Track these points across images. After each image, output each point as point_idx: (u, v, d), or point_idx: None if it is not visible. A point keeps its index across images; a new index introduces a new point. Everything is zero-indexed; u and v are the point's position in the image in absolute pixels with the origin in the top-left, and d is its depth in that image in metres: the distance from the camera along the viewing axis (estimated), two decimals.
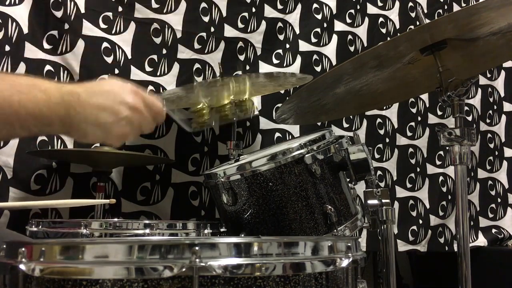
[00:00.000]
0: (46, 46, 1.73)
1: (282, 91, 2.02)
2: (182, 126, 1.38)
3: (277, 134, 2.05)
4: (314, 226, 1.22)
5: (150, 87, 1.85)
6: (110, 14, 1.82)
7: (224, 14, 2.02)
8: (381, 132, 2.25)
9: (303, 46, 2.14)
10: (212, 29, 1.99)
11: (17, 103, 0.86)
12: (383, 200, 1.26)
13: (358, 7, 2.28)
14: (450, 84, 1.23)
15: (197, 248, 0.69)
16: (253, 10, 2.07)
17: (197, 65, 1.95)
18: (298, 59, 2.12)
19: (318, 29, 2.18)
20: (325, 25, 2.19)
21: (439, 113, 2.38)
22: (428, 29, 1.25)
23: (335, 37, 2.21)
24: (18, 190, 1.65)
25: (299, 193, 1.22)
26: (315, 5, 2.19)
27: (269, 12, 2.11)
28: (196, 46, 1.95)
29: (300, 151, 1.22)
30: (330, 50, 2.19)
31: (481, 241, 2.37)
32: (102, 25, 1.80)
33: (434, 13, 2.44)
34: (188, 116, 1.64)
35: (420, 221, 2.24)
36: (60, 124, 0.89)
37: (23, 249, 0.73)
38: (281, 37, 2.12)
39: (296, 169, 1.21)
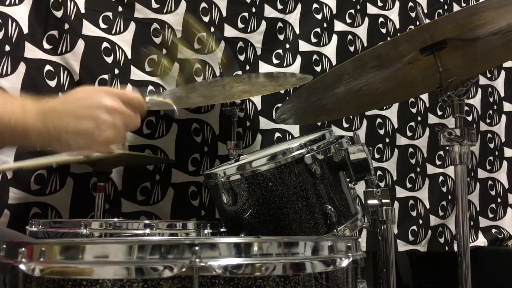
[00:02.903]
0: (46, 46, 1.73)
1: (282, 91, 2.02)
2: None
3: (277, 134, 2.05)
4: (314, 226, 1.22)
5: (150, 87, 1.86)
6: (110, 14, 1.82)
7: (224, 14, 2.02)
8: (381, 132, 2.25)
9: (303, 46, 2.14)
10: (212, 29, 1.99)
11: None
12: (383, 200, 1.26)
13: (358, 7, 2.28)
14: (450, 84, 1.23)
15: (197, 248, 0.69)
16: (253, 10, 2.07)
17: (197, 65, 1.95)
18: (298, 59, 2.12)
19: (318, 29, 2.18)
20: (325, 25, 2.19)
21: (439, 113, 2.38)
22: (428, 29, 1.24)
23: (335, 37, 2.21)
24: (18, 190, 1.65)
25: (299, 193, 1.22)
26: (315, 5, 2.19)
27: (269, 12, 2.11)
28: (196, 46, 1.95)
29: (300, 151, 1.22)
30: (330, 50, 2.19)
31: (481, 241, 2.37)
32: (102, 25, 1.80)
33: (434, 13, 2.44)
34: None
35: (420, 221, 2.24)
36: (38, 137, 0.87)
37: (23, 249, 0.73)
38: (281, 37, 2.12)
39: (296, 169, 1.21)
